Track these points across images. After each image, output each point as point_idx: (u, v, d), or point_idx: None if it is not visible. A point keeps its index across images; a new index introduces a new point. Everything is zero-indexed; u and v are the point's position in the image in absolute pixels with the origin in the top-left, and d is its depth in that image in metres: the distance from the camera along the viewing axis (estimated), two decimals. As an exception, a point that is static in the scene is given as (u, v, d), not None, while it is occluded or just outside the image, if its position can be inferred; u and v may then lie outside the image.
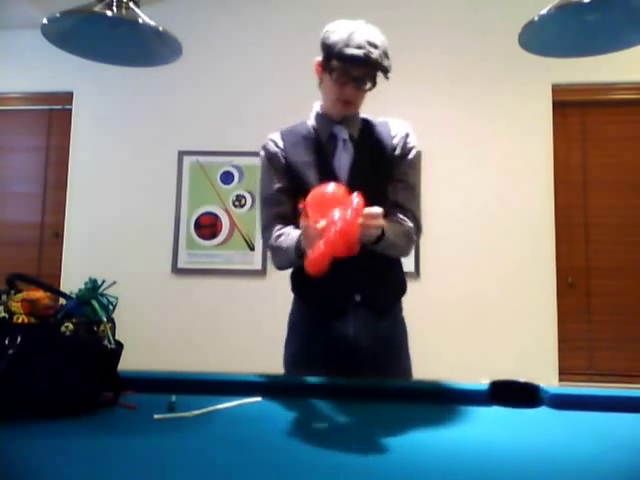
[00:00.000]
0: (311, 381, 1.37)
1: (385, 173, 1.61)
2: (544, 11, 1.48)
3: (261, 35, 3.52)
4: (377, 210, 1.34)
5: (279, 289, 3.30)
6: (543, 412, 1.22)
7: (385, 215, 1.42)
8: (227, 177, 3.44)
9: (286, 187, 1.62)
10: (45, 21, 1.66)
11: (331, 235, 1.22)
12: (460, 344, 3.10)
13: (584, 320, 3.22)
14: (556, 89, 3.31)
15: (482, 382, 1.31)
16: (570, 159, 3.32)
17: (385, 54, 1.50)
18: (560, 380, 3.09)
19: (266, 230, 1.65)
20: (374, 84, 1.55)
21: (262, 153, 1.68)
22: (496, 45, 3.27)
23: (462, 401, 1.26)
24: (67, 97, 3.64)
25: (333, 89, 1.57)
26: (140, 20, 1.70)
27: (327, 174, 1.55)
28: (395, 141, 1.63)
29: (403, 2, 3.38)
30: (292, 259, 1.52)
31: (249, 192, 3.42)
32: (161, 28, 1.73)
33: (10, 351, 1.02)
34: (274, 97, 3.46)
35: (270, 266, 3.34)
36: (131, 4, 1.70)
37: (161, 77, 3.32)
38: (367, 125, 1.66)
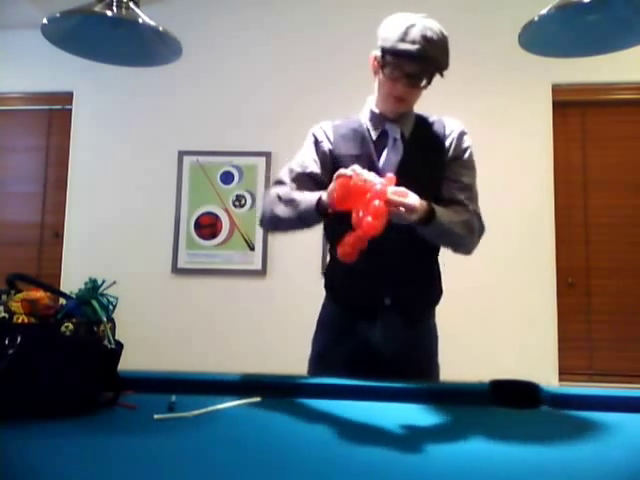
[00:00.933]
0: (311, 381, 1.37)
1: (436, 174, 1.57)
2: (544, 11, 1.48)
3: (261, 35, 3.52)
4: (404, 189, 1.30)
5: (279, 289, 3.33)
6: (543, 412, 1.22)
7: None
8: (227, 177, 3.44)
9: (315, 173, 1.58)
10: (45, 21, 1.66)
11: (358, 218, 1.21)
12: (460, 344, 3.09)
13: (584, 320, 3.22)
14: (556, 89, 3.31)
15: (482, 382, 1.31)
16: (570, 159, 3.32)
17: (443, 50, 1.46)
18: (560, 380, 3.09)
19: (277, 184, 1.59)
20: (429, 82, 1.52)
21: (310, 135, 1.64)
22: (496, 45, 3.27)
23: (462, 401, 1.26)
24: (67, 97, 3.64)
25: (385, 85, 1.54)
26: (140, 20, 1.70)
27: (372, 171, 1.47)
28: (448, 141, 1.60)
29: (403, 2, 3.37)
30: (302, 211, 1.45)
31: (249, 192, 3.42)
32: (161, 28, 1.73)
33: (10, 351, 1.02)
34: (274, 97, 3.46)
35: (270, 266, 3.35)
36: (131, 4, 1.70)
37: (161, 77, 3.32)
38: (421, 124, 1.62)
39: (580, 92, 3.32)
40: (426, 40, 1.43)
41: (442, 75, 1.50)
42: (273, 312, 3.29)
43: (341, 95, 3.33)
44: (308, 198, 1.45)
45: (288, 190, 1.54)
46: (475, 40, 3.33)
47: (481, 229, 1.59)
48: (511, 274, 3.20)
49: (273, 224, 1.60)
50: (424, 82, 1.51)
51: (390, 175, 1.31)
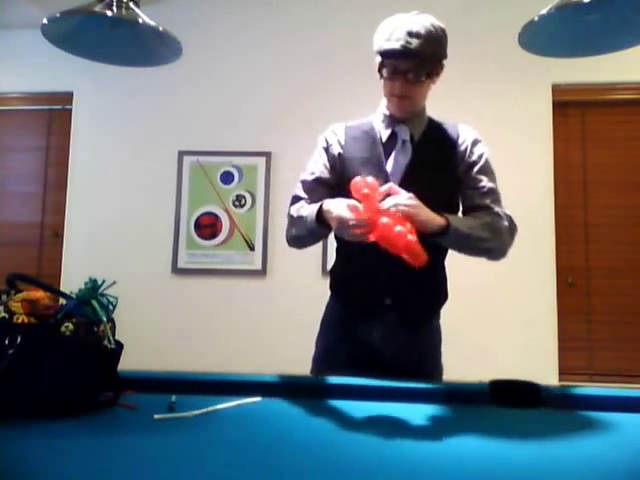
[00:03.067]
0: (311, 381, 1.37)
1: (444, 178, 1.57)
2: (544, 11, 1.48)
3: (261, 35, 3.52)
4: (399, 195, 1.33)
5: (279, 289, 3.33)
6: (543, 412, 1.22)
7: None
8: (227, 177, 3.44)
9: (326, 179, 1.60)
10: (45, 21, 1.66)
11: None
12: (460, 344, 3.09)
13: (584, 320, 3.21)
14: (556, 89, 3.31)
15: (482, 382, 1.31)
16: (570, 159, 3.32)
17: (432, 42, 1.46)
18: (560, 380, 3.09)
19: (294, 202, 1.63)
20: (430, 75, 1.53)
21: (321, 140, 1.67)
22: (496, 45, 3.27)
23: (462, 401, 1.26)
24: (67, 97, 3.64)
25: (386, 85, 1.56)
26: (140, 20, 1.70)
27: (380, 173, 1.52)
28: (462, 148, 1.59)
29: (402, 3, 3.37)
30: (309, 227, 1.48)
31: (249, 192, 3.42)
32: (161, 28, 1.72)
33: (10, 351, 1.02)
34: (274, 97, 3.46)
35: (270, 266, 3.35)
36: (131, 4, 1.69)
37: (161, 77, 3.32)
38: (433, 127, 1.63)
39: (580, 92, 3.32)
40: (411, 34, 1.45)
41: (442, 66, 1.53)
42: (273, 312, 3.29)
43: (341, 95, 3.34)
44: (311, 214, 1.47)
45: (299, 207, 1.58)
46: (475, 40, 3.33)
47: (512, 228, 1.59)
48: (511, 274, 3.19)
49: (298, 243, 1.64)
50: (423, 77, 1.51)
51: (388, 186, 1.35)
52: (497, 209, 1.57)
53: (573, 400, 1.24)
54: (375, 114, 1.66)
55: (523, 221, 3.20)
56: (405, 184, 1.45)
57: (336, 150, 1.62)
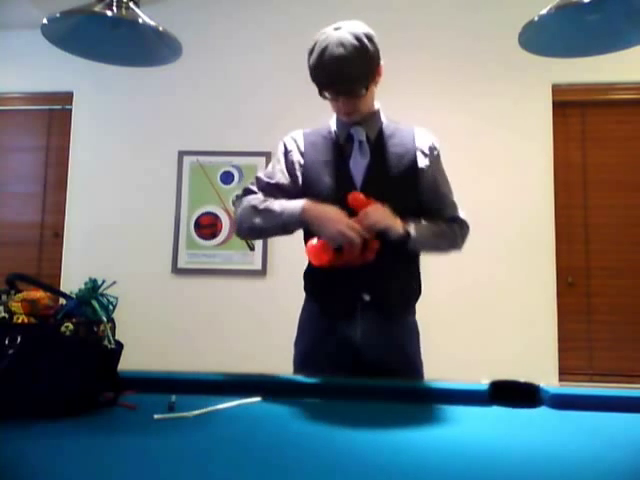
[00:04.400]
0: (311, 381, 1.37)
1: (403, 176, 1.59)
2: (544, 11, 1.48)
3: (261, 35, 3.52)
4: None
5: (279, 289, 3.33)
6: (543, 412, 1.22)
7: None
8: (227, 177, 3.44)
9: (283, 185, 1.63)
10: (45, 21, 1.66)
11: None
12: (460, 344, 3.10)
13: (584, 320, 3.21)
14: (556, 89, 3.31)
15: (482, 382, 1.31)
16: (570, 159, 3.32)
17: (361, 59, 1.46)
18: (560, 380, 3.09)
19: (247, 194, 1.66)
20: (367, 88, 1.53)
21: (280, 146, 1.69)
22: (496, 45, 3.27)
23: (462, 401, 1.26)
24: (67, 97, 3.64)
25: (331, 104, 1.60)
26: (140, 20, 1.70)
27: (342, 175, 1.57)
28: (419, 149, 1.62)
29: (402, 3, 3.38)
30: (284, 222, 1.53)
31: (249, 192, 3.42)
32: (161, 28, 1.73)
33: (10, 351, 1.02)
34: (274, 97, 3.46)
35: (270, 266, 3.35)
36: (131, 4, 1.70)
37: (161, 77, 3.32)
38: (388, 128, 1.65)
39: (580, 92, 3.32)
40: (340, 59, 1.44)
41: (380, 67, 1.54)
42: (273, 312, 3.29)
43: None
44: (289, 209, 1.52)
45: (261, 200, 1.60)
46: (475, 40, 3.33)
47: (464, 231, 1.70)
48: (511, 274, 3.20)
49: (253, 234, 1.70)
50: (363, 91, 1.52)
51: (353, 194, 1.49)
52: (453, 216, 1.68)
53: (573, 400, 1.24)
54: (331, 118, 1.68)
55: (523, 221, 3.24)
56: (367, 184, 1.54)
57: (296, 157, 1.64)
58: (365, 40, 1.47)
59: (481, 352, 3.09)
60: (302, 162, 1.63)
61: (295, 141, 1.67)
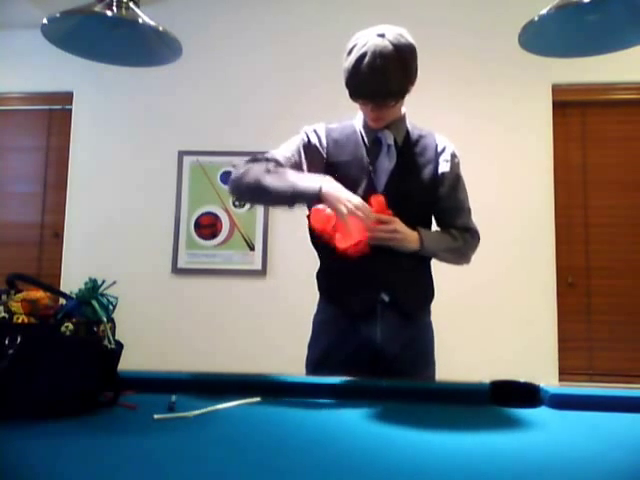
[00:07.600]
0: (311, 381, 1.37)
1: (424, 183, 1.61)
2: (544, 11, 1.48)
3: (261, 35, 3.52)
4: (387, 218, 1.46)
5: (279, 289, 3.33)
6: (543, 412, 1.22)
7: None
8: (227, 177, 3.43)
9: (300, 164, 1.61)
10: (45, 21, 1.66)
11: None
12: (460, 344, 3.09)
13: (584, 320, 3.22)
14: (556, 89, 3.31)
15: (482, 382, 1.31)
16: (570, 159, 3.32)
17: (399, 72, 1.44)
18: (560, 380, 3.09)
19: (256, 162, 1.56)
20: (402, 98, 1.53)
21: (301, 137, 1.64)
22: (496, 45, 3.27)
23: (462, 401, 1.26)
24: (67, 97, 3.64)
25: (360, 108, 1.59)
26: (140, 20, 1.70)
27: (366, 177, 1.56)
28: (442, 158, 1.64)
29: (403, 3, 3.37)
30: (295, 193, 1.44)
31: (249, 192, 3.42)
32: (161, 28, 1.73)
33: (10, 351, 1.02)
34: (274, 97, 3.46)
35: (270, 266, 3.35)
36: (131, 4, 1.70)
37: (161, 77, 3.32)
38: (413, 133, 1.65)
39: (580, 92, 3.32)
40: (378, 72, 1.41)
41: (413, 84, 1.51)
42: (273, 312, 3.29)
43: (341, 95, 3.33)
44: (309, 176, 1.50)
45: (277, 168, 1.52)
46: (475, 40, 3.33)
47: (475, 242, 1.70)
48: (511, 274, 3.20)
49: (256, 194, 1.54)
50: (393, 103, 1.51)
51: (377, 197, 1.47)
52: (467, 226, 1.69)
53: (572, 400, 1.24)
54: (356, 118, 1.67)
55: (523, 221, 3.24)
56: (389, 187, 1.54)
57: (317, 150, 1.62)
58: (407, 55, 1.45)
59: (481, 352, 3.10)
60: (325, 158, 1.61)
61: (318, 135, 1.63)
